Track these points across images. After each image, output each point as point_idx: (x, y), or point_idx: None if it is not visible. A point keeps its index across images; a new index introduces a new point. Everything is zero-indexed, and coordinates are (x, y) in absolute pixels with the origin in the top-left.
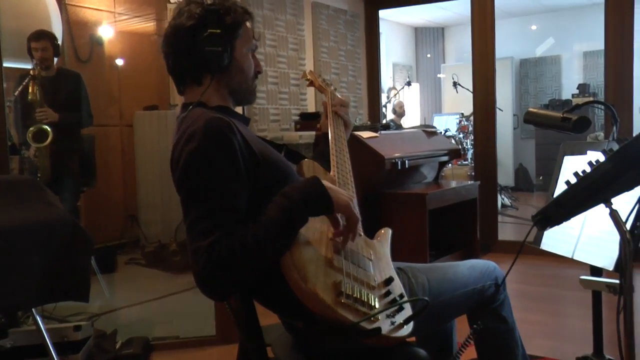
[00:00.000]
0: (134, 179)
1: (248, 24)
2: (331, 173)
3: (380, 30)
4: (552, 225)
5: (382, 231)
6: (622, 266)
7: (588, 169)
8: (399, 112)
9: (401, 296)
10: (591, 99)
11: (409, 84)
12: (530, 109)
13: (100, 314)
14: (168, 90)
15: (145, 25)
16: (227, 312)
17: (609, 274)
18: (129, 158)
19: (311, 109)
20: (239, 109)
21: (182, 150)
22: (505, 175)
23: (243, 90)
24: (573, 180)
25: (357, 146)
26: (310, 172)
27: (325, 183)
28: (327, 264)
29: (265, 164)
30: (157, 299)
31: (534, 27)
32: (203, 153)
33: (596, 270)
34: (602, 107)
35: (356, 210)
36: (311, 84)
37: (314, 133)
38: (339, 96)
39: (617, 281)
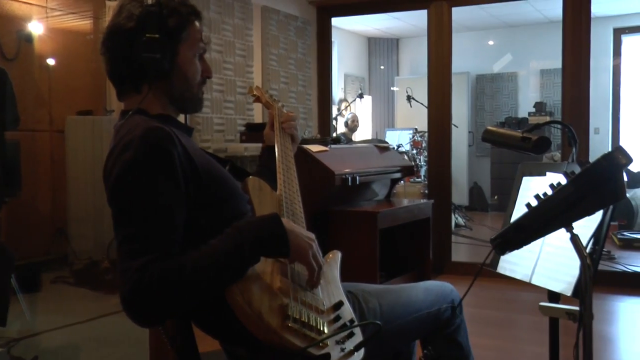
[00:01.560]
0: (64, 189)
1: (197, 24)
2: (277, 192)
3: (333, 39)
4: (511, 250)
5: (331, 254)
6: (581, 292)
7: (549, 192)
8: (352, 126)
9: (351, 321)
10: (548, 118)
11: (361, 96)
12: (489, 128)
13: (19, 339)
14: (104, 94)
15: (81, 23)
16: (162, 337)
17: (566, 298)
18: (59, 167)
19: (258, 119)
20: (181, 118)
21: (116, 160)
22: (459, 194)
23: (186, 98)
24: (534, 202)
25: (305, 160)
26: (256, 190)
27: (286, 223)
28: (273, 286)
29: (208, 179)
30: (85, 321)
31: (491, 43)
32: (139, 164)
33: (554, 295)
34: (560, 127)
35: (317, 255)
36: (258, 99)
37: (260, 145)
38: (287, 111)
39: (577, 308)
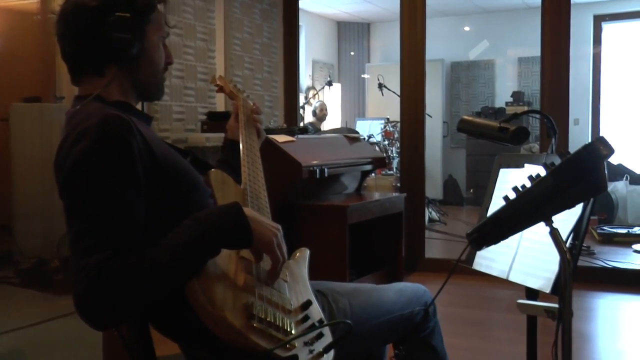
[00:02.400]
0: (9, 182)
1: (160, 7)
2: (242, 185)
3: (300, 23)
4: (488, 245)
5: (299, 252)
6: (561, 289)
7: (528, 184)
8: (320, 115)
9: (320, 322)
10: (527, 108)
11: (329, 83)
12: (465, 117)
13: None
14: (54, 80)
15: (27, 2)
16: (117, 340)
17: (545, 296)
18: (2, 158)
19: (220, 107)
20: (139, 106)
21: (69, 150)
22: (433, 187)
23: (151, 84)
24: (512, 195)
25: (271, 151)
26: (219, 183)
27: (248, 212)
28: (237, 284)
29: (169, 172)
30: (33, 325)
31: (467, 29)
32: (94, 155)
33: (532, 293)
34: (539, 117)
35: (282, 246)
36: (221, 89)
37: (222, 135)
38: (252, 104)
39: (556, 305)
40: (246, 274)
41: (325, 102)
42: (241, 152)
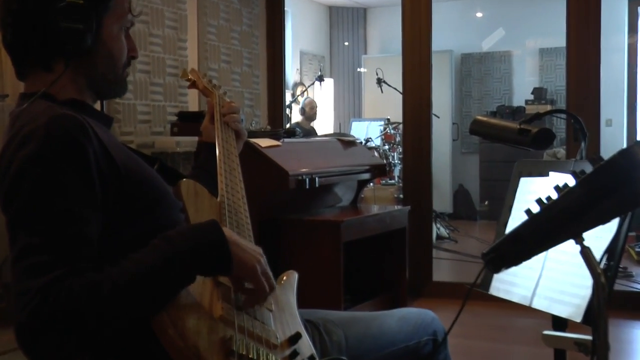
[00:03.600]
0: None
1: None
2: (218, 198)
3: (286, 8)
4: (507, 266)
5: (286, 275)
6: (594, 318)
7: (554, 195)
8: (309, 113)
9: (311, 358)
10: (549, 107)
11: (320, 79)
12: (478, 117)
13: None
14: None
15: None
16: None
17: (575, 325)
18: None
19: (193, 106)
20: (97, 105)
21: (13, 156)
22: (441, 199)
23: (109, 81)
24: (535, 208)
25: (252, 158)
26: (192, 196)
27: (228, 233)
28: (213, 314)
29: (131, 182)
30: None
31: (479, 15)
32: (43, 161)
33: (560, 322)
34: (565, 117)
35: (268, 273)
36: (193, 85)
37: (196, 139)
38: (229, 101)
39: (589, 337)
40: (224, 302)
41: (316, 101)
42: (217, 159)
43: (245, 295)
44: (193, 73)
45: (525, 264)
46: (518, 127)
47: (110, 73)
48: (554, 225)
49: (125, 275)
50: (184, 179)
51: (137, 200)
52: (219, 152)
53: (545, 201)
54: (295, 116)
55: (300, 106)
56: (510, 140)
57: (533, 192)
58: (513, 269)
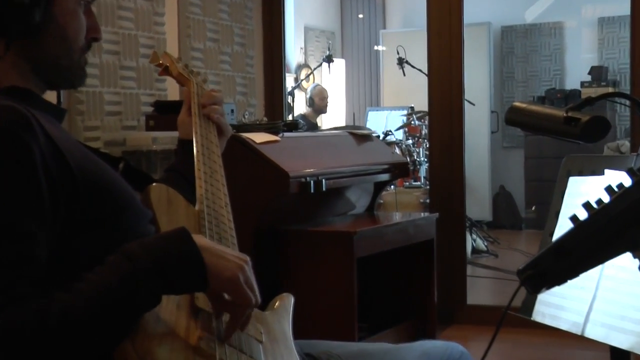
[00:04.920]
0: None
1: None
2: (197, 207)
3: None
4: (549, 286)
5: (279, 299)
6: None
7: (606, 198)
8: (319, 105)
9: None
10: (611, 89)
11: (329, 60)
12: (516, 104)
13: None
14: None
15: None
16: None
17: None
18: None
19: (174, 95)
20: (51, 95)
21: None
22: (478, 205)
23: (62, 67)
24: (582, 214)
25: (245, 156)
26: (164, 204)
27: (200, 240)
28: (190, 347)
29: (88, 188)
30: None
31: None
32: None
33: (619, 355)
34: (627, 102)
35: (252, 283)
36: (166, 71)
37: (177, 134)
38: (209, 90)
39: None
40: (201, 330)
41: (325, 88)
42: (195, 159)
43: (227, 312)
44: (165, 57)
45: (574, 283)
46: (564, 115)
47: (64, 58)
48: (605, 235)
49: (77, 300)
50: (155, 184)
51: (96, 210)
52: (197, 151)
53: (594, 205)
54: (300, 107)
55: (307, 96)
56: (556, 131)
57: (585, 194)
58: (560, 290)
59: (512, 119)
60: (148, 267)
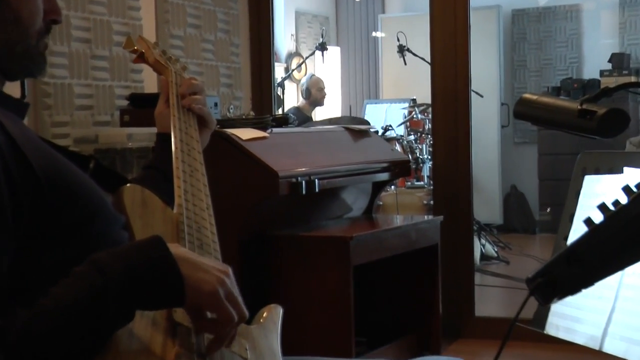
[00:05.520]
0: None
1: None
2: (175, 209)
3: None
4: (562, 296)
5: (267, 311)
6: None
7: (624, 199)
8: (316, 96)
9: None
10: (634, 79)
11: (323, 47)
12: (526, 96)
13: None
14: None
15: None
16: None
17: None
18: None
19: (151, 87)
20: (14, 88)
21: None
22: (487, 206)
23: (18, 54)
24: (598, 217)
25: (229, 155)
26: (138, 207)
27: (176, 250)
28: None
29: (54, 191)
30: None
31: None
32: None
33: None
34: None
35: (235, 297)
36: (141, 58)
37: (154, 131)
38: (189, 78)
39: None
40: (179, 347)
41: (320, 77)
42: (173, 156)
43: (209, 332)
44: (140, 42)
45: (591, 293)
46: (579, 107)
47: (19, 43)
48: (622, 239)
49: (41, 317)
50: (128, 184)
51: (63, 216)
52: (176, 147)
53: (611, 207)
54: (291, 99)
55: (303, 87)
56: (569, 125)
57: (601, 194)
58: (575, 300)
59: (521, 112)
60: (120, 280)
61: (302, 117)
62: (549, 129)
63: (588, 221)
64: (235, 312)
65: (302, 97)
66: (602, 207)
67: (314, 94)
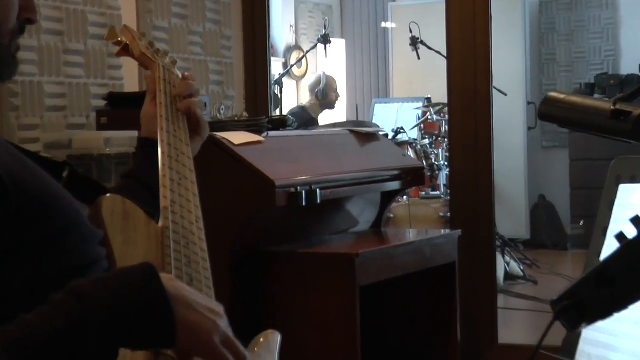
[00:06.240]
0: None
1: None
2: (160, 223)
3: None
4: (591, 320)
5: (264, 337)
6: None
7: None
8: (332, 99)
9: None
10: None
11: (326, 40)
12: (552, 94)
13: None
14: None
15: None
16: None
17: None
18: None
19: (132, 85)
20: None
21: None
22: (512, 219)
23: None
24: (631, 232)
25: (220, 161)
26: (119, 219)
27: (169, 282)
28: None
29: (24, 203)
30: None
31: None
32: None
33: None
34: None
35: (232, 343)
36: (125, 51)
37: (134, 135)
38: (180, 75)
39: None
40: None
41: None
42: (160, 162)
43: None
44: (125, 33)
45: (627, 317)
46: (612, 107)
47: None
48: None
49: (10, 348)
50: (107, 195)
51: (33, 231)
52: (163, 152)
53: None
54: (290, 99)
55: (320, 87)
56: (601, 128)
57: (637, 205)
58: (608, 326)
59: (547, 113)
60: (103, 312)
61: (306, 117)
62: (578, 131)
63: (620, 236)
64: (233, 357)
65: (315, 97)
66: (636, 221)
67: (330, 96)
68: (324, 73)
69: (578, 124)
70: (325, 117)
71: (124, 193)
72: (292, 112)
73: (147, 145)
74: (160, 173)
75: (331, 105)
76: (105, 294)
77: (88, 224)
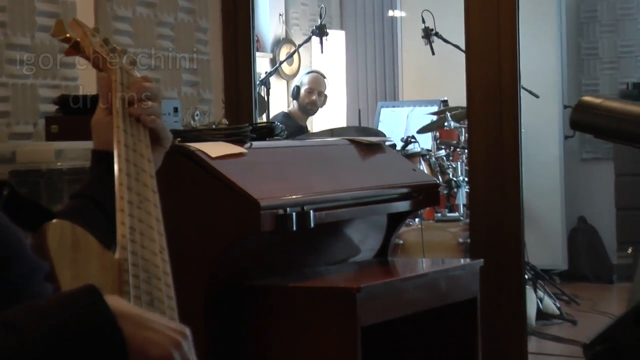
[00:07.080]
0: None
1: None
2: (117, 254)
3: None
4: None
5: None
6: None
7: None
8: (311, 101)
9: None
10: None
11: (321, 32)
12: (587, 99)
13: None
14: None
15: None
16: None
17: None
18: None
19: (88, 87)
20: None
21: None
22: (546, 246)
23: None
24: None
25: (194, 178)
26: (67, 250)
27: (116, 302)
28: None
29: None
30: None
31: None
32: None
33: None
34: None
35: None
36: (75, 49)
37: (91, 145)
38: (140, 78)
39: None
40: None
41: (317, 72)
42: (116, 181)
43: None
44: (75, 28)
45: None
46: None
47: None
48: None
49: None
50: (54, 221)
51: None
52: (120, 170)
53: None
54: (279, 102)
55: (300, 87)
56: (637, 137)
57: None
58: None
59: (579, 120)
60: (40, 342)
61: (293, 126)
62: (615, 142)
63: None
64: None
65: (292, 97)
66: None
67: (307, 97)
68: (308, 71)
69: (615, 135)
70: (321, 122)
71: (74, 217)
72: (275, 120)
73: (103, 159)
74: (117, 194)
75: (309, 110)
76: (42, 321)
77: (31, 255)
